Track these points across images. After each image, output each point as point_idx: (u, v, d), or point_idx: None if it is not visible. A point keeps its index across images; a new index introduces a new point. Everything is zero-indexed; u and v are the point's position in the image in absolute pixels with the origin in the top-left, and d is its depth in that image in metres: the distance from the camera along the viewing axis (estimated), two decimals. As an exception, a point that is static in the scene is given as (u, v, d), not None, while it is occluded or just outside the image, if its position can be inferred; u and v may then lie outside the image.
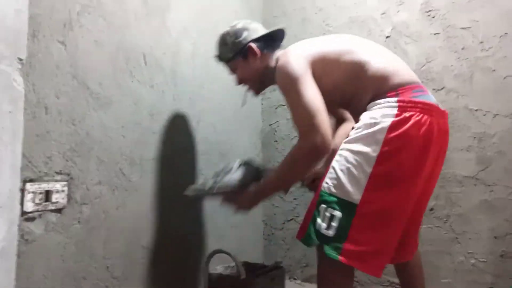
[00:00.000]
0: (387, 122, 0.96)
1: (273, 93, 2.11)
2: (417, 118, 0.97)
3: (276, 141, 2.11)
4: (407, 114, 0.97)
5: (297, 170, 1.12)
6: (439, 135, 1.01)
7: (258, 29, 1.29)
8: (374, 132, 0.97)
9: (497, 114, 1.57)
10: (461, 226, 1.59)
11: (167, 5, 1.41)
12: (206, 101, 1.62)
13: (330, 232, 0.97)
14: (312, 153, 1.05)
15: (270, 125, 2.12)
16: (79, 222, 1.08)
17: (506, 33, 1.57)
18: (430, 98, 1.05)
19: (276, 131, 2.11)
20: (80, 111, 1.09)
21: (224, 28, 1.30)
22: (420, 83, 1.09)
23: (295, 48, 1.18)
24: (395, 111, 0.97)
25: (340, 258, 0.94)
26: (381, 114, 0.98)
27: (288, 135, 2.06)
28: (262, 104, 2.14)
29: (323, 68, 1.10)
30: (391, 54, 1.17)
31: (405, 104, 0.98)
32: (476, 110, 1.60)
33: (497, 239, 1.53)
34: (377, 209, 0.97)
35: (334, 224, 0.97)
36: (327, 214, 0.98)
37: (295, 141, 2.00)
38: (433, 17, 1.70)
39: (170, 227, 1.39)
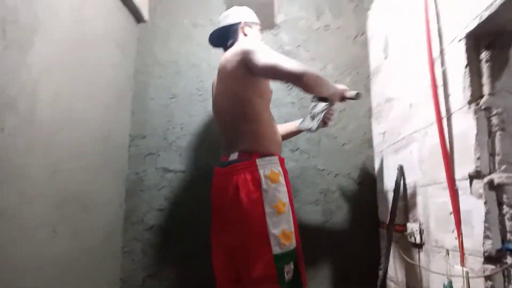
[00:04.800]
0: None
1: (142, 141, 2.05)
2: None
3: (143, 190, 2.01)
4: None
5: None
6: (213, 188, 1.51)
7: None
8: None
9: (337, 174, 1.90)
10: (312, 271, 1.81)
11: (30, 40, 1.26)
12: (67, 148, 1.45)
13: None
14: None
15: (136, 173, 2.02)
16: None
17: (344, 109, 1.96)
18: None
19: (143, 179, 2.02)
20: None
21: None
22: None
23: None
24: None
25: None
26: None
27: (156, 185, 2.00)
28: (129, 151, 2.04)
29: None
30: None
31: None
32: (322, 169, 1.91)
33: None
34: None
35: None
36: None
37: (163, 191, 1.97)
38: (291, 89, 1.99)
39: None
